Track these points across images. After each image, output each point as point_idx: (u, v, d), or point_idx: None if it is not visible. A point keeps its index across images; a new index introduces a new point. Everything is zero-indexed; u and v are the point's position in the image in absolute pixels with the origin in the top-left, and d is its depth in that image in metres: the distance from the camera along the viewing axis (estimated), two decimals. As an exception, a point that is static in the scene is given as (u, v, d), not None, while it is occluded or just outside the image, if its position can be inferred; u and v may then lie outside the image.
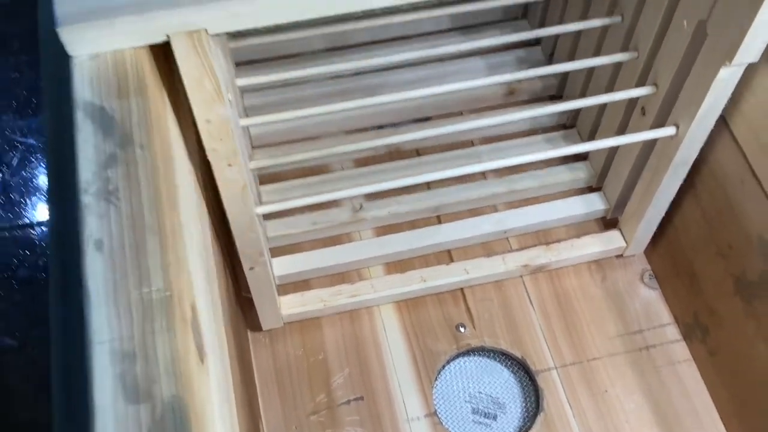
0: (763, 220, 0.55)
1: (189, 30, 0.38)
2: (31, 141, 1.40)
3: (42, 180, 1.33)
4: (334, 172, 0.74)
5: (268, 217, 0.70)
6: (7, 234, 1.32)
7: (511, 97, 0.77)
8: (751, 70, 0.52)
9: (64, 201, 0.36)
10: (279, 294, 0.66)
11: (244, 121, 0.54)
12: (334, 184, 0.72)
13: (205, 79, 0.40)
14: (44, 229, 1.27)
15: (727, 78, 0.51)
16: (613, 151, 0.68)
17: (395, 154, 0.75)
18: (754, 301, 0.57)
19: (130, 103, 0.36)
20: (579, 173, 0.73)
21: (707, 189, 0.61)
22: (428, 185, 0.73)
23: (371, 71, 0.76)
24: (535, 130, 0.76)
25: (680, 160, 0.58)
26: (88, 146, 0.35)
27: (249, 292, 0.61)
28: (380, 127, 0.75)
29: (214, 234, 0.49)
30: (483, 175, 0.73)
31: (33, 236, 1.26)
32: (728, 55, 0.49)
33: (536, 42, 0.79)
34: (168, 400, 0.29)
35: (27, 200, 1.33)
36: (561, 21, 0.71)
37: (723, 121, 0.56)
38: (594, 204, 0.71)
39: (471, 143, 0.75)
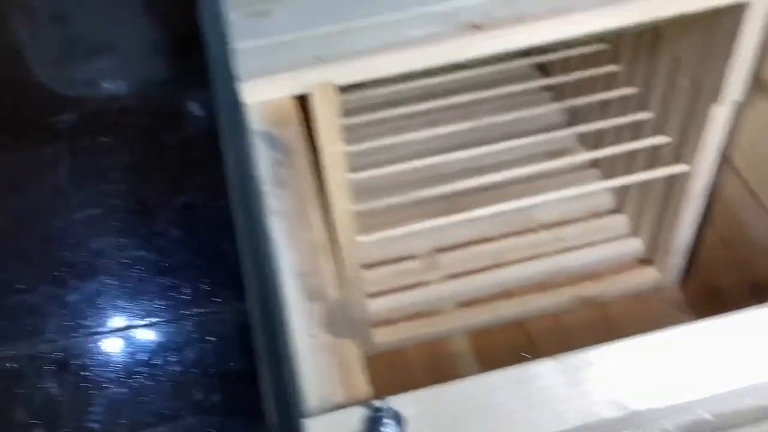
0: (766, 233, 0.68)
1: (324, 82, 0.54)
2: (129, 256, 1.58)
3: (138, 289, 1.49)
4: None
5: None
6: (108, 336, 1.46)
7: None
8: (739, 110, 0.67)
9: (247, 196, 0.52)
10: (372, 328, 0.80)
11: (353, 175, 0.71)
12: (410, 243, 0.87)
13: (332, 119, 0.57)
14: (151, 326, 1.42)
15: (719, 117, 0.66)
16: (643, 200, 0.82)
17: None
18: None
19: (288, 128, 0.52)
20: (615, 224, 0.87)
21: (720, 216, 0.74)
22: (488, 240, 0.87)
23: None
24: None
25: (695, 193, 0.72)
26: (262, 155, 0.51)
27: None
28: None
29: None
30: (534, 230, 0.88)
31: (131, 337, 1.41)
32: (715, 97, 0.64)
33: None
34: (333, 300, 0.43)
35: (126, 307, 1.49)
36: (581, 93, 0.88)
37: (725, 157, 0.71)
38: (631, 247, 0.85)
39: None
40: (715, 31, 0.63)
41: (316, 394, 0.39)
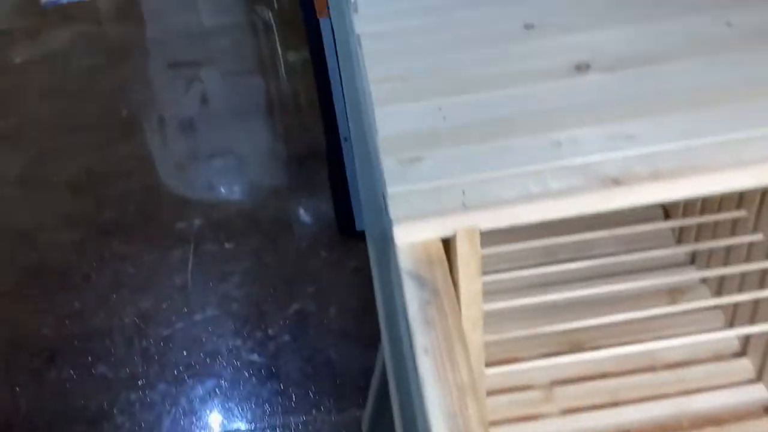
0: None
1: (469, 227, 0.59)
2: (245, 358, 1.64)
3: (250, 390, 1.54)
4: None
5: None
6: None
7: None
8: None
9: (396, 329, 0.56)
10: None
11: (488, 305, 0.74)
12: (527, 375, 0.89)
13: (473, 260, 0.61)
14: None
15: None
16: (769, 346, 0.82)
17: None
18: None
19: (436, 271, 0.56)
20: (739, 368, 0.86)
21: None
22: (604, 375, 0.87)
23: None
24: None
25: (828, 345, 0.72)
26: (412, 296, 0.55)
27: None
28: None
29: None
30: (653, 368, 0.88)
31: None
32: None
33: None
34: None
35: (241, 407, 1.54)
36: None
37: None
38: (757, 393, 0.83)
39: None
40: None
41: None
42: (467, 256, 0.60)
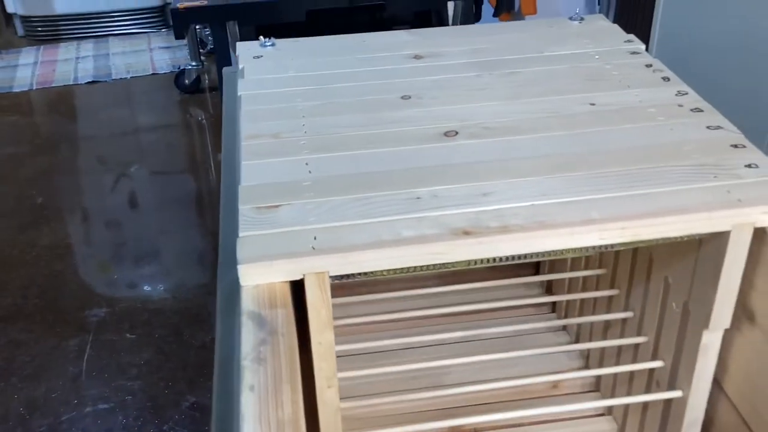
0: (762, 464, 0.65)
1: (318, 272, 0.58)
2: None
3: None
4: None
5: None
6: None
7: (555, 389, 0.92)
8: (728, 338, 0.67)
9: (229, 374, 0.53)
10: None
11: (342, 374, 0.72)
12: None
13: (323, 309, 0.59)
14: None
15: (709, 343, 0.67)
16: (642, 427, 0.81)
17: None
18: None
19: (277, 311, 0.55)
20: (616, 451, 0.84)
21: (719, 448, 0.72)
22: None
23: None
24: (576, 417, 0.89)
25: (690, 419, 0.71)
26: (249, 334, 0.53)
27: None
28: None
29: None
30: (532, 450, 0.86)
31: None
32: (706, 323, 0.66)
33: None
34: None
35: None
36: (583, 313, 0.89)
37: (717, 384, 0.70)
38: (631, 478, 0.81)
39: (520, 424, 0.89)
40: (701, 257, 0.65)
41: None
42: (317, 303, 0.59)
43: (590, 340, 0.89)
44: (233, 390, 0.48)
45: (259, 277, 0.57)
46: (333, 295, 0.91)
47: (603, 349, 0.86)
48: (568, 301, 0.96)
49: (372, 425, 0.87)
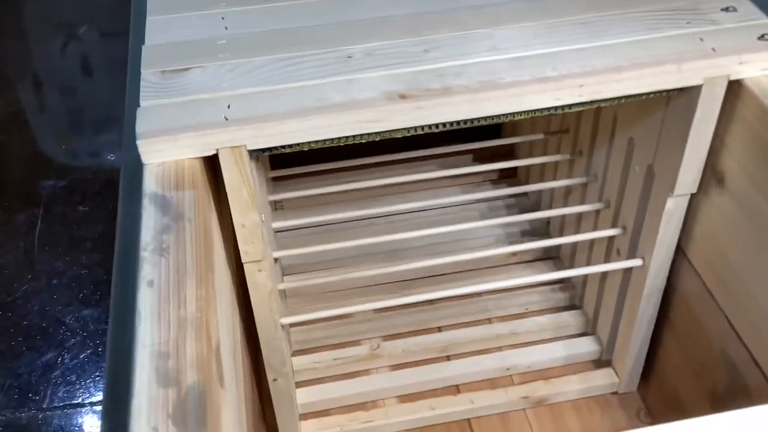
0: (722, 335, 0.62)
1: (233, 146, 0.50)
2: (92, 329, 1.52)
3: (96, 363, 1.43)
4: (356, 316, 0.83)
5: (295, 353, 0.79)
6: (60, 412, 1.40)
7: (513, 257, 0.87)
8: (695, 204, 0.62)
9: (126, 266, 0.47)
10: (300, 420, 0.73)
11: (278, 253, 0.66)
12: (355, 327, 0.82)
13: (243, 187, 0.52)
14: (97, 411, 1.36)
15: (674, 208, 0.61)
16: (600, 296, 0.77)
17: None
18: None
19: (184, 193, 0.48)
20: (573, 320, 0.81)
21: (678, 316, 0.68)
22: (439, 328, 0.81)
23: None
24: (533, 285, 0.85)
25: (650, 288, 0.67)
26: (150, 220, 0.46)
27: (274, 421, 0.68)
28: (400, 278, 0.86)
29: (243, 337, 0.59)
30: (489, 320, 0.82)
31: (85, 415, 1.35)
32: (671, 188, 0.60)
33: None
34: (191, 385, 0.37)
35: (82, 382, 1.43)
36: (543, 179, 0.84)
37: (682, 252, 0.65)
38: (588, 346, 0.78)
39: (479, 295, 0.85)
40: (668, 115, 0.59)
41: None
42: (235, 180, 0.52)
43: (551, 208, 0.84)
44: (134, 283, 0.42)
45: (164, 154, 0.50)
46: (272, 166, 0.84)
47: (563, 218, 0.81)
48: (528, 167, 0.89)
49: (320, 301, 0.82)
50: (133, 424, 0.36)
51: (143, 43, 0.57)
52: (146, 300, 0.42)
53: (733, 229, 0.58)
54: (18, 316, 1.51)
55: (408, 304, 0.84)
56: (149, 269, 0.43)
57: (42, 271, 1.59)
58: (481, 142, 0.81)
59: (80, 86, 2.14)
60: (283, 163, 0.81)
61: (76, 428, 1.37)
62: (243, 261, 0.57)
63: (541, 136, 0.80)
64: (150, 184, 0.49)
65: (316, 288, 0.83)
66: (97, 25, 2.47)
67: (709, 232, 0.61)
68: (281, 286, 0.66)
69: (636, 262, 0.66)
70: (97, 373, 1.42)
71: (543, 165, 0.84)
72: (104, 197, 1.76)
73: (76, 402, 1.39)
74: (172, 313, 0.41)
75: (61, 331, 1.50)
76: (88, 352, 1.45)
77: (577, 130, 0.75)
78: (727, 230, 0.59)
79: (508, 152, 0.94)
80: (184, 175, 0.49)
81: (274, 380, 0.66)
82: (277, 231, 0.85)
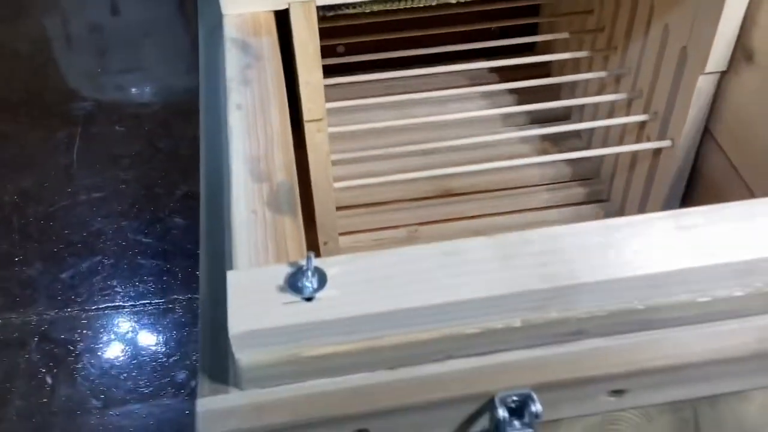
0: (745, 206, 0.66)
1: (303, 0, 0.55)
2: (131, 239, 1.59)
3: (135, 270, 1.50)
4: (396, 205, 0.88)
5: (339, 234, 0.85)
6: (101, 313, 1.47)
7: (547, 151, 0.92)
8: (724, 83, 0.66)
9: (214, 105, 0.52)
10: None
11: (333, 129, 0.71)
12: (395, 215, 0.87)
13: (310, 43, 0.57)
14: (136, 312, 1.43)
15: (704, 87, 0.66)
16: (629, 186, 0.81)
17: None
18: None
19: (262, 39, 0.53)
20: (602, 210, 0.86)
21: (706, 197, 0.73)
22: (472, 217, 0.87)
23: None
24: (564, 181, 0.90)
25: (677, 171, 0.72)
26: (233, 59, 0.51)
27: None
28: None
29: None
30: (519, 211, 0.87)
31: (124, 316, 1.42)
32: (702, 66, 0.64)
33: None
34: (281, 182, 0.43)
35: (122, 286, 1.50)
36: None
37: (709, 133, 0.70)
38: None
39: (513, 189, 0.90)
40: (702, -2, 0.63)
41: (247, 257, 0.39)
42: (303, 34, 0.57)
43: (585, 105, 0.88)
44: (222, 180, 0.47)
45: (242, 5, 0.55)
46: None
47: (596, 105, 0.85)
48: (562, 62, 0.93)
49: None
50: (233, 209, 0.41)
51: None
52: (236, 121, 0.47)
53: (761, 104, 0.62)
54: (59, 226, 1.58)
55: (444, 193, 0.89)
56: (236, 96, 0.49)
57: (81, 186, 1.65)
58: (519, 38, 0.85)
59: (108, 24, 2.18)
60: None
61: (117, 327, 1.44)
62: (305, 119, 0.62)
63: (578, 33, 0.84)
64: (230, 30, 0.54)
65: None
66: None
67: (737, 110, 0.66)
68: (333, 157, 0.71)
69: (665, 143, 0.71)
70: (136, 279, 1.49)
71: (578, 60, 0.88)
72: (140, 119, 1.81)
73: (116, 304, 1.47)
74: (260, 131, 0.46)
75: (101, 240, 1.57)
76: (126, 261, 1.52)
77: (612, 27, 0.79)
78: (755, 106, 0.63)
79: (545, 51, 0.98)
80: (261, 24, 0.54)
81: (325, 243, 0.72)
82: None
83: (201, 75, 0.57)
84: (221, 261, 0.40)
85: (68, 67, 1.96)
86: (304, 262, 0.36)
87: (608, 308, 0.36)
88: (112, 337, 1.43)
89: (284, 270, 0.36)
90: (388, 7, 0.57)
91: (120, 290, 1.46)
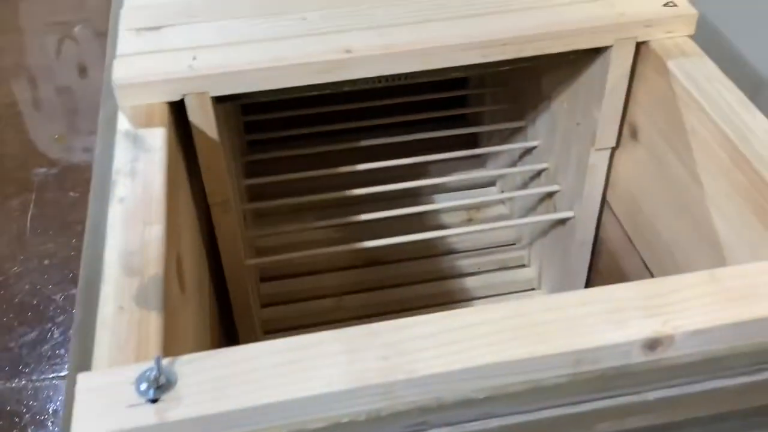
0: (640, 276, 0.69)
1: (198, 92, 0.57)
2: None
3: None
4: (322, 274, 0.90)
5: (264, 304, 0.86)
6: (48, 383, 1.46)
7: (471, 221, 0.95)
8: (616, 158, 0.69)
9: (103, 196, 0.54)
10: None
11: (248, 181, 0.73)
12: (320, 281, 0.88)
13: (208, 132, 0.59)
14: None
15: (597, 162, 0.69)
16: (544, 247, 0.84)
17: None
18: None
19: (154, 131, 0.55)
20: (522, 277, 0.88)
21: (607, 268, 0.75)
22: (397, 285, 0.88)
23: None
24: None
25: (581, 240, 0.74)
26: (122, 152, 0.53)
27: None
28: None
29: (208, 274, 0.66)
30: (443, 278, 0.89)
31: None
32: (592, 142, 0.67)
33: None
34: (153, 275, 0.44)
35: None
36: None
37: (607, 204, 0.73)
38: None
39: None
40: (589, 75, 0.66)
41: (107, 356, 0.40)
42: (201, 124, 0.59)
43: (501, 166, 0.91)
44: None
45: (137, 98, 0.57)
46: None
47: (517, 175, 0.87)
48: (486, 133, 0.96)
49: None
50: (101, 305, 0.43)
51: (122, 6, 0.64)
52: (117, 214, 0.49)
53: (646, 178, 0.65)
54: (10, 294, 1.58)
55: (370, 262, 0.91)
56: (120, 189, 0.50)
57: (34, 252, 1.65)
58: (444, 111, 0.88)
59: (75, 86, 2.20)
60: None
61: (64, 398, 1.42)
62: (209, 202, 0.64)
63: (494, 107, 0.87)
64: (123, 123, 0.56)
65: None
66: (92, 24, 2.54)
67: (627, 184, 0.69)
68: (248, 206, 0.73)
69: (569, 214, 0.73)
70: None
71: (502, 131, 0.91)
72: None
73: (64, 374, 1.45)
74: (139, 227, 0.48)
75: (51, 309, 1.56)
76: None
77: (525, 102, 0.83)
78: (640, 180, 0.66)
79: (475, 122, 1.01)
80: (154, 115, 0.56)
81: (241, 318, 0.73)
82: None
83: (94, 166, 0.58)
84: (89, 358, 0.42)
85: (33, 131, 1.98)
86: (152, 363, 0.37)
87: (448, 399, 0.38)
88: (59, 407, 1.42)
89: (135, 370, 0.37)
90: (283, 96, 0.59)
91: (68, 360, 1.45)
